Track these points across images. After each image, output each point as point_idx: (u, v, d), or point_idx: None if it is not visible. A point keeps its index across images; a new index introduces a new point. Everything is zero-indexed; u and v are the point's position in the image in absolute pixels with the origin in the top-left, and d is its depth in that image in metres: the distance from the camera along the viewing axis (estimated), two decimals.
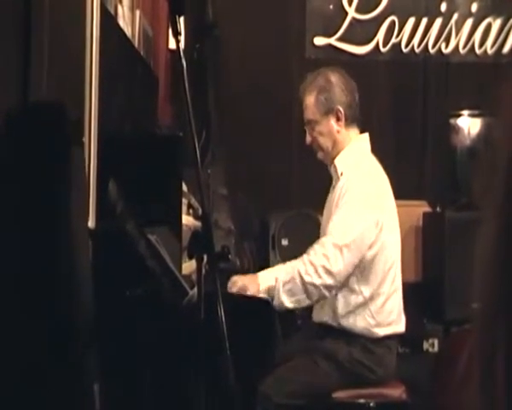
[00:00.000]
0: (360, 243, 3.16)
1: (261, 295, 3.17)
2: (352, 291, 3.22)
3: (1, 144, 2.15)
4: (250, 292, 3.16)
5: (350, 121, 3.36)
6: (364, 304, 3.23)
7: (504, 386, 0.57)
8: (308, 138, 3.41)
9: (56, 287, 2.14)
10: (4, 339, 2.07)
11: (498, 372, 0.57)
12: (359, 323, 3.24)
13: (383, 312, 3.25)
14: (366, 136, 3.43)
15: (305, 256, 3.16)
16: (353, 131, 3.38)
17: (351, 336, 3.24)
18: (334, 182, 3.36)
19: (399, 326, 3.33)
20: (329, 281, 3.12)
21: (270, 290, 3.15)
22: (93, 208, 2.88)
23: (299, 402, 3.21)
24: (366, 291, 3.23)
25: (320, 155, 3.41)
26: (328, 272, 3.11)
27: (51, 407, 2.11)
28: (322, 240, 3.18)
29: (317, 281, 3.11)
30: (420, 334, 5.10)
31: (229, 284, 3.22)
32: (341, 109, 3.33)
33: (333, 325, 3.27)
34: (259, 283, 3.17)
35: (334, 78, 3.36)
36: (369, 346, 3.24)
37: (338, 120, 3.34)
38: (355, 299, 3.23)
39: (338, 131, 3.34)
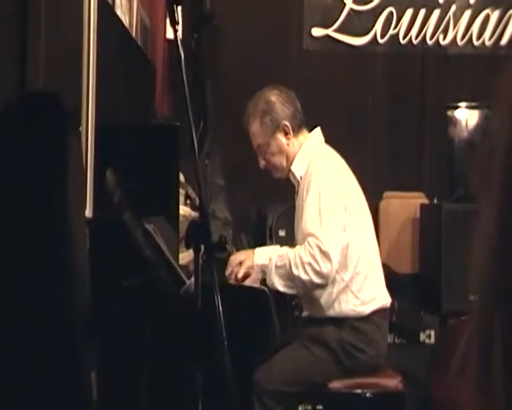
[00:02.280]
0: (339, 234, 3.20)
1: (255, 270, 3.25)
2: (334, 282, 3.26)
3: None
4: (245, 266, 3.23)
5: (297, 129, 3.43)
6: (346, 288, 3.28)
7: (501, 377, 0.57)
8: (262, 163, 3.48)
9: (54, 276, 2.14)
10: (2, 328, 2.07)
11: (495, 364, 0.57)
12: (344, 306, 3.28)
13: (365, 289, 3.29)
14: (316, 130, 3.49)
15: (297, 248, 3.21)
16: (302, 136, 3.45)
17: (339, 320, 3.28)
18: (296, 188, 3.41)
19: (384, 299, 3.36)
20: (318, 280, 3.18)
21: (263, 268, 3.24)
22: (90, 198, 2.87)
23: (294, 389, 3.23)
24: (346, 276, 3.27)
25: (276, 174, 3.49)
26: (317, 273, 3.16)
27: (49, 395, 2.11)
28: (309, 239, 3.18)
29: (304, 276, 3.16)
30: (417, 325, 5.10)
31: (228, 265, 3.30)
32: (287, 123, 3.40)
33: (321, 317, 3.30)
34: (254, 258, 3.26)
35: (273, 96, 3.43)
36: (357, 325, 3.27)
37: (286, 134, 3.41)
38: (337, 288, 3.27)
39: (288, 144, 3.41)
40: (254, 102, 3.46)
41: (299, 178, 3.36)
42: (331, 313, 3.29)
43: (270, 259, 3.24)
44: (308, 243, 3.19)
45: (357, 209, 3.33)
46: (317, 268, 3.15)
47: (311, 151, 3.40)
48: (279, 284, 3.22)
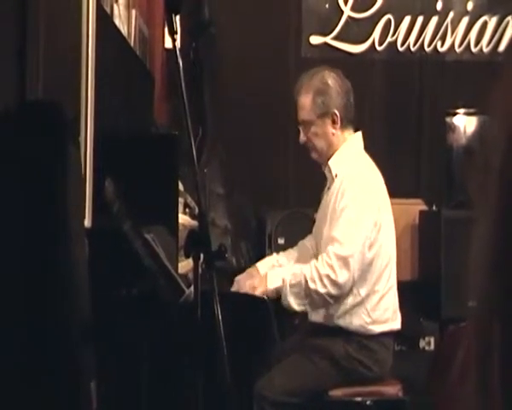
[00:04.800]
0: (363, 249, 3.16)
1: (270, 294, 3.21)
2: (350, 293, 3.22)
3: None
4: (258, 292, 3.20)
5: (345, 123, 3.36)
6: (360, 303, 3.24)
7: (500, 385, 0.57)
8: (302, 138, 3.39)
9: (53, 285, 2.14)
10: (1, 337, 2.07)
11: (494, 371, 0.57)
12: (355, 321, 3.24)
13: (379, 309, 3.26)
14: (359, 134, 3.42)
15: (313, 262, 3.17)
16: (348, 132, 3.38)
17: (347, 334, 3.25)
18: (328, 183, 3.36)
19: (395, 324, 3.33)
20: (335, 291, 3.13)
21: (278, 291, 3.19)
22: (89, 207, 2.88)
23: (296, 400, 3.21)
24: (363, 291, 3.23)
25: (314, 155, 3.40)
26: (334, 283, 3.11)
27: (48, 405, 2.11)
28: (328, 249, 3.15)
29: (322, 290, 3.12)
30: (416, 332, 5.10)
31: (235, 284, 3.28)
32: (337, 113, 3.33)
33: (329, 325, 3.27)
34: (267, 283, 3.21)
35: (331, 80, 3.34)
36: (365, 342, 3.24)
37: (334, 123, 3.33)
38: (352, 300, 3.23)
39: (333, 134, 3.34)
40: (310, 77, 3.36)
41: (334, 175, 3.29)
42: (340, 322, 3.25)
43: (283, 279, 3.18)
44: (327, 253, 3.13)
45: (386, 226, 3.27)
46: (334, 278, 3.09)
47: (351, 153, 3.33)
48: (295, 304, 3.15)
